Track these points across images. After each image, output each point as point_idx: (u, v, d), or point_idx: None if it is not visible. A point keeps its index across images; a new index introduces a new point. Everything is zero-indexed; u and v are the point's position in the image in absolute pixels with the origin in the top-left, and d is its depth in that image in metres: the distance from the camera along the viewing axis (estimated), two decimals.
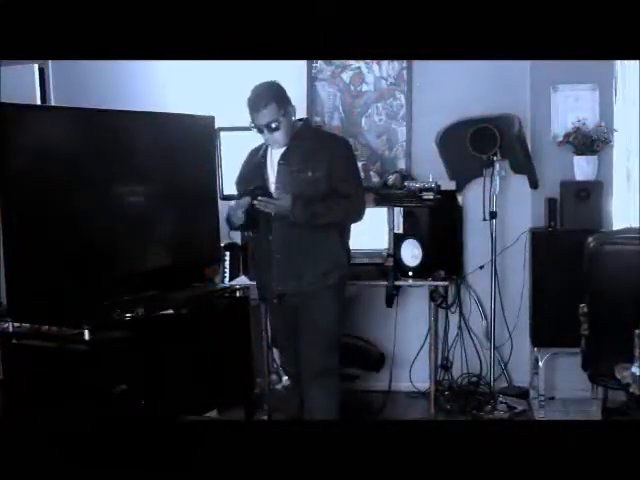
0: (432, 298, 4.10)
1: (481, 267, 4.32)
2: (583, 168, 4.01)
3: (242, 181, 3.32)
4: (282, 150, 3.17)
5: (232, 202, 3.26)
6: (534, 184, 4.18)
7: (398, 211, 4.03)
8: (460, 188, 4.28)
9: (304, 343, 3.23)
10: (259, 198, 3.04)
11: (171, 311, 3.78)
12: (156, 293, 3.77)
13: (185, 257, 4.03)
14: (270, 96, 3.12)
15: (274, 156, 3.21)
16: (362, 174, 3.85)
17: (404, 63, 4.39)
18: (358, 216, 3.25)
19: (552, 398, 4.23)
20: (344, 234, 3.29)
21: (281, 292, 3.20)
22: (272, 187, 3.16)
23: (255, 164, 3.28)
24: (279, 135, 3.13)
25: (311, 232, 3.13)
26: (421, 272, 3.98)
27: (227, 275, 4.26)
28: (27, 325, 3.38)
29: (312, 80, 4.44)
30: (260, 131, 3.14)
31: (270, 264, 3.19)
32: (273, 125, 3.09)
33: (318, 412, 3.22)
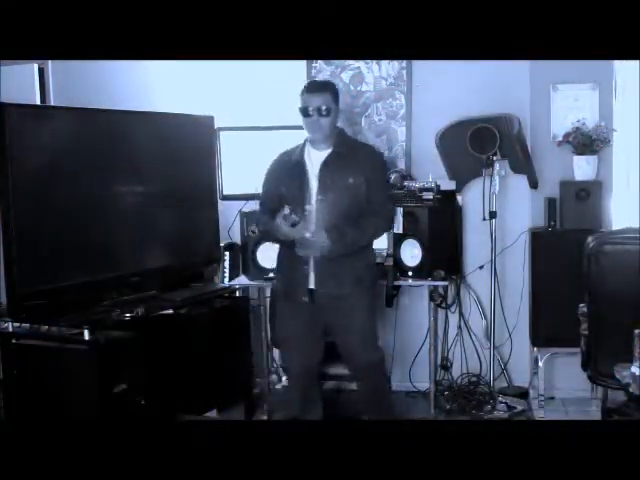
0: (432, 298, 4.10)
1: (481, 267, 4.33)
2: (583, 168, 4.01)
3: (276, 182, 3.35)
4: (324, 155, 3.26)
5: (278, 221, 3.15)
6: (534, 184, 4.18)
7: (398, 211, 4.04)
8: (460, 188, 4.28)
9: (347, 343, 3.35)
10: (298, 244, 3.16)
11: (171, 311, 3.79)
12: (156, 293, 3.78)
13: (185, 257, 4.03)
14: (328, 87, 3.30)
15: (313, 159, 3.29)
16: None
17: (404, 63, 4.39)
18: (388, 227, 3.49)
19: (552, 398, 4.24)
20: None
21: (321, 292, 3.25)
22: (313, 190, 3.24)
23: (293, 165, 3.31)
24: (325, 122, 3.20)
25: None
26: (421, 272, 3.98)
27: (227, 275, 4.26)
28: (27, 325, 3.38)
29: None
30: (307, 115, 3.20)
31: (302, 263, 3.24)
32: (324, 110, 3.18)
33: (371, 406, 3.46)
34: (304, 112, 3.22)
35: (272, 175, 3.41)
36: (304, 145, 3.34)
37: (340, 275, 3.26)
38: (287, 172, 3.31)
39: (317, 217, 3.20)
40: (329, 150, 3.28)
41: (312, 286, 3.28)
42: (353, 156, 3.28)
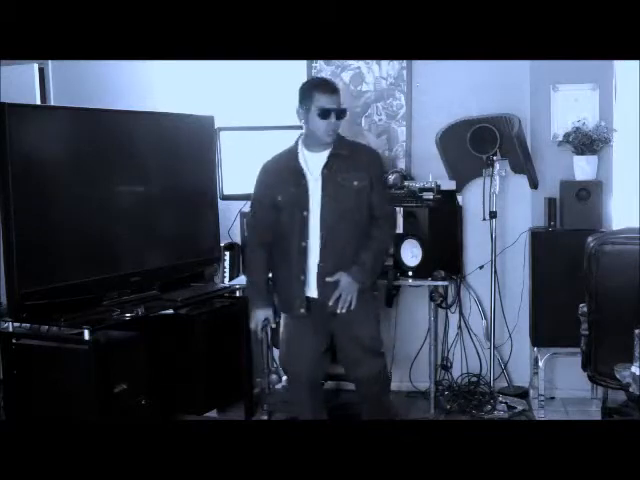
0: (432, 298, 4.10)
1: (481, 267, 4.32)
2: (583, 168, 4.01)
3: (268, 190, 3.16)
4: (323, 157, 3.11)
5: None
6: (534, 184, 4.18)
7: (398, 211, 4.03)
8: (460, 188, 4.28)
9: (351, 352, 3.23)
10: (339, 306, 3.03)
11: (171, 311, 3.79)
12: (156, 293, 3.78)
13: (185, 257, 4.03)
14: (337, 87, 3.14)
15: (310, 163, 3.12)
16: None
17: (404, 63, 4.39)
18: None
19: (552, 398, 4.23)
20: None
21: (324, 301, 3.08)
22: (312, 195, 3.09)
23: (288, 170, 3.13)
24: (339, 124, 3.08)
25: (355, 241, 3.11)
26: (421, 272, 3.98)
27: (227, 275, 4.26)
28: (27, 325, 3.38)
29: None
30: (325, 116, 3.03)
31: (301, 272, 3.11)
32: (342, 111, 3.07)
33: (371, 413, 3.35)
34: (325, 114, 3.03)
35: (263, 184, 3.20)
36: (296, 148, 3.16)
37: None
38: (281, 178, 3.13)
39: (321, 223, 3.07)
40: (327, 152, 3.11)
41: (314, 295, 3.13)
42: (354, 157, 3.14)
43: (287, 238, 3.13)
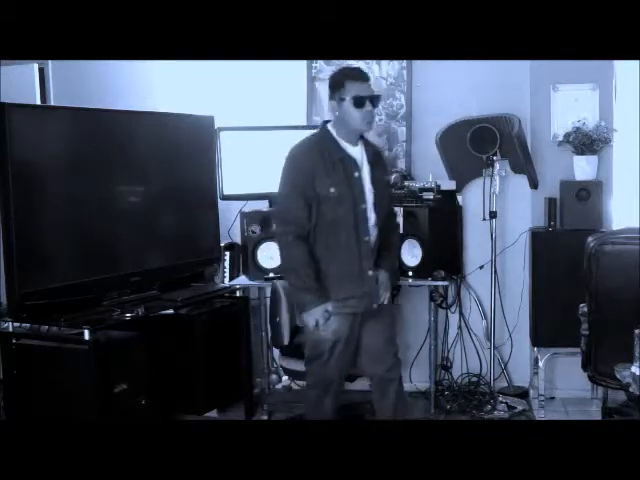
0: (432, 298, 4.10)
1: (481, 267, 4.33)
2: (583, 168, 4.01)
3: (313, 178, 2.92)
4: (360, 150, 3.01)
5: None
6: (534, 184, 4.18)
7: (398, 211, 4.03)
8: (460, 188, 4.28)
9: (384, 346, 3.14)
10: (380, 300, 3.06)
11: (171, 311, 3.79)
12: (156, 293, 3.78)
13: (185, 257, 4.03)
14: (368, 74, 3.05)
15: (354, 154, 3.00)
16: None
17: (404, 63, 4.39)
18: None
19: (552, 398, 4.24)
20: None
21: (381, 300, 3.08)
22: (367, 187, 2.99)
23: (336, 161, 2.95)
24: (374, 113, 3.01)
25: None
26: (421, 272, 3.98)
27: (227, 275, 4.26)
28: (27, 325, 3.38)
29: (312, 80, 4.44)
30: (360, 104, 2.91)
31: (369, 267, 3.01)
32: (376, 99, 2.98)
33: (401, 404, 3.21)
34: (360, 103, 2.90)
35: (303, 172, 2.94)
36: (333, 139, 2.99)
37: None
38: (328, 168, 2.92)
39: (378, 217, 3.03)
40: (360, 146, 3.02)
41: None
42: (380, 153, 3.17)
43: (343, 232, 2.96)
